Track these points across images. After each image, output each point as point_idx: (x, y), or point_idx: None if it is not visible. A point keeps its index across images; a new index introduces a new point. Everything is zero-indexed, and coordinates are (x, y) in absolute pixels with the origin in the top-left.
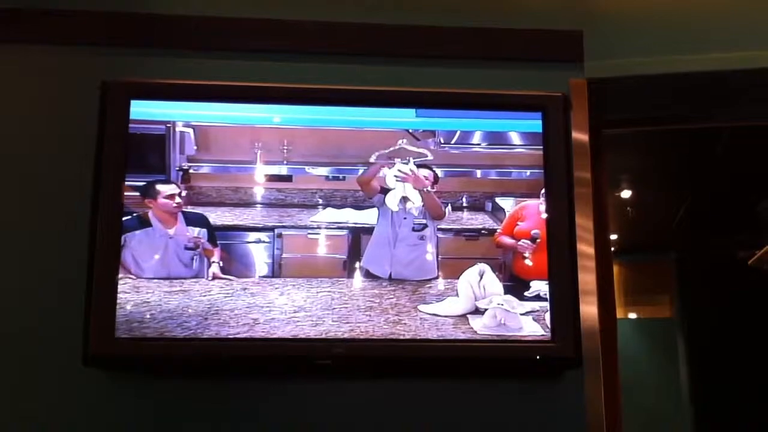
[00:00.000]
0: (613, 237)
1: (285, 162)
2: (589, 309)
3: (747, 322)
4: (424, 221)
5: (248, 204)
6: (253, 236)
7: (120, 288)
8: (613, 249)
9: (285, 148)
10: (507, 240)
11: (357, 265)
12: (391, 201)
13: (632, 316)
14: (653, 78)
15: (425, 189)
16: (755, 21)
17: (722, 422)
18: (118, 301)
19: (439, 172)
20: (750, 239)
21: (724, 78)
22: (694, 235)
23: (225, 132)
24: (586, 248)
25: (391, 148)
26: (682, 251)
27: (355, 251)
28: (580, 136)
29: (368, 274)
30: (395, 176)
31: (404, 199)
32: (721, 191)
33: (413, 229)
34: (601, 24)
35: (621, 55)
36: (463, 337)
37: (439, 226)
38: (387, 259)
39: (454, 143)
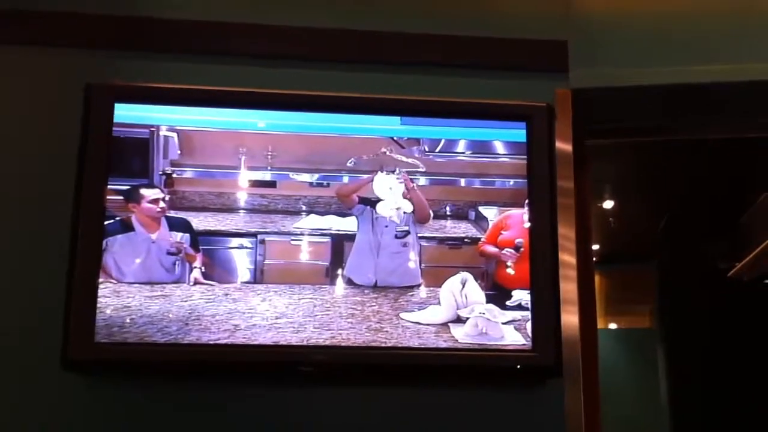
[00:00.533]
0: (595, 247)
1: (269, 168)
2: (570, 318)
3: (727, 333)
4: (406, 228)
5: (231, 209)
6: (235, 242)
7: (100, 292)
8: (594, 259)
9: (269, 153)
10: (491, 249)
11: (339, 272)
12: (384, 209)
13: (613, 326)
14: (638, 89)
15: (413, 187)
16: (738, 34)
17: None
18: (99, 305)
19: (424, 180)
20: (731, 251)
21: (706, 90)
22: (675, 245)
23: (209, 137)
24: (568, 258)
25: (373, 155)
26: (663, 262)
27: (337, 258)
28: (563, 146)
29: (351, 283)
30: (388, 185)
31: (389, 209)
32: (702, 203)
33: (396, 237)
34: (587, 34)
35: (606, 66)
36: (444, 345)
37: (421, 234)
38: (371, 268)
39: (439, 151)
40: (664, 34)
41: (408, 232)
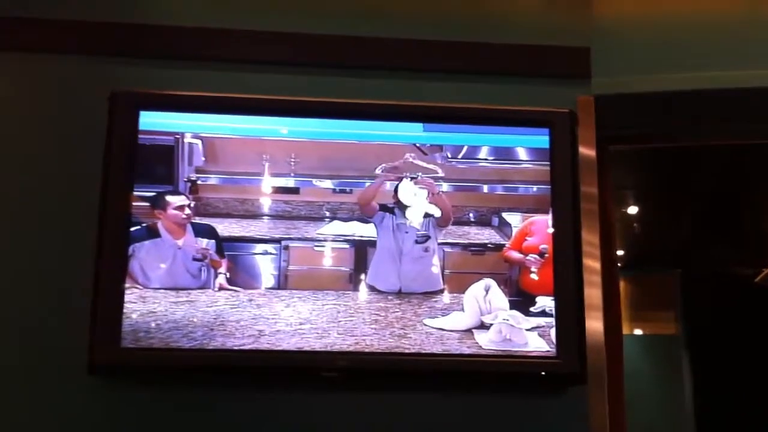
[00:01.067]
0: (620, 253)
1: (292, 174)
2: (594, 325)
3: (751, 339)
4: (425, 233)
5: (255, 216)
6: (260, 248)
7: (126, 298)
8: (619, 264)
9: (292, 160)
10: (515, 255)
11: (362, 278)
12: (413, 215)
13: (637, 332)
14: (660, 95)
15: (438, 192)
16: (758, 40)
17: None
18: (125, 310)
19: (447, 186)
20: (756, 257)
21: (728, 95)
22: (700, 251)
23: (233, 143)
24: (592, 263)
25: (397, 161)
26: (687, 268)
27: (360, 264)
28: (586, 151)
29: (374, 289)
30: (413, 191)
31: (412, 215)
32: (727, 209)
33: (416, 242)
34: (609, 41)
35: (628, 72)
36: (467, 351)
37: (444, 240)
38: (393, 274)
39: (462, 158)
40: (686, 40)
41: (428, 237)
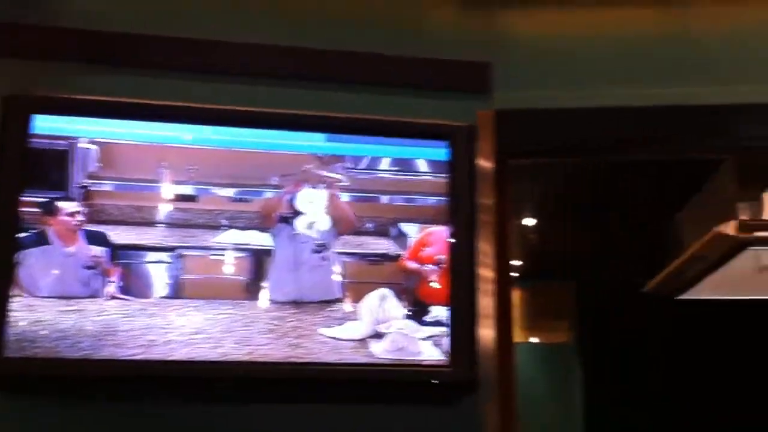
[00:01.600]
0: (517, 263)
1: (190, 182)
2: (487, 333)
3: (642, 348)
4: (323, 242)
5: (151, 223)
6: (154, 256)
7: (13, 306)
8: (517, 274)
9: (192, 168)
10: (412, 265)
11: (260, 287)
12: (301, 225)
13: (533, 340)
14: (560, 111)
15: (337, 199)
16: (661, 58)
17: None
18: (11, 319)
19: (347, 196)
20: (648, 267)
21: (628, 112)
22: (594, 263)
23: (130, 150)
24: (487, 273)
25: (298, 171)
26: (582, 278)
27: (257, 273)
28: (485, 164)
29: (271, 298)
30: (310, 200)
31: (312, 224)
32: (622, 222)
33: (313, 251)
34: (511, 56)
35: (529, 88)
36: (362, 360)
37: (343, 250)
38: (291, 283)
39: (362, 169)
40: (587, 58)
41: (325, 246)
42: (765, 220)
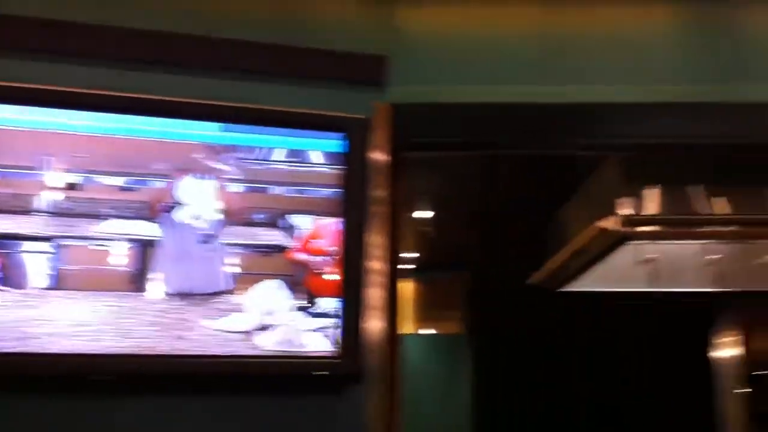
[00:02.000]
0: (414, 255)
1: (76, 170)
2: (376, 325)
3: (530, 339)
4: (210, 232)
5: (30, 212)
6: (32, 246)
7: None
8: (413, 266)
9: (78, 155)
10: (303, 256)
11: (145, 278)
12: (185, 215)
13: (428, 331)
14: (456, 106)
15: (224, 191)
16: (547, 58)
17: None
18: None
19: (238, 186)
20: (536, 260)
21: (524, 110)
22: (486, 255)
23: (11, 135)
24: (379, 265)
25: (188, 160)
26: (474, 270)
27: (143, 264)
28: (380, 157)
29: (157, 290)
30: (198, 190)
31: (198, 214)
32: (514, 216)
33: (200, 242)
34: (410, 50)
35: (427, 82)
36: (248, 353)
37: (232, 241)
38: (177, 275)
39: (255, 159)
40: (484, 54)
41: (212, 237)
42: (644, 216)
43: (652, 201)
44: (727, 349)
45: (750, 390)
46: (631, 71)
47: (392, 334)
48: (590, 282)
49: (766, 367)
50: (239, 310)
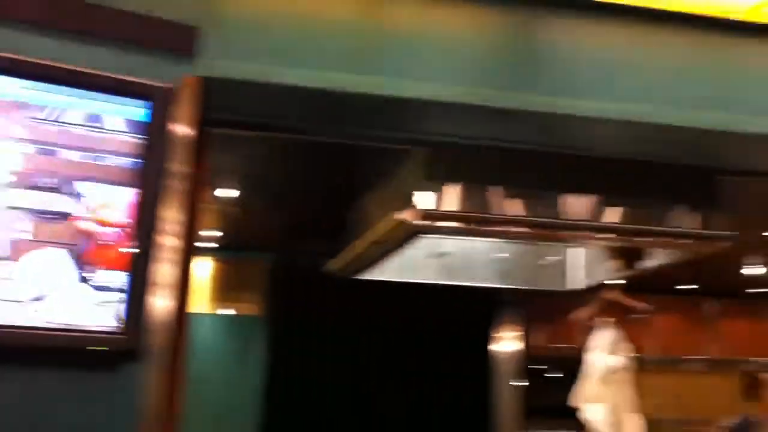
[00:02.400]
0: (216, 234)
1: None
2: (165, 302)
3: (324, 324)
4: None
5: None
6: None
7: None
8: (215, 245)
9: None
10: (90, 226)
11: None
12: None
13: (227, 311)
14: (266, 85)
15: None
16: (361, 49)
17: (291, 418)
18: None
19: (29, 147)
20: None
21: (338, 97)
22: (287, 239)
23: None
24: (173, 241)
25: None
26: (274, 254)
27: None
28: (185, 131)
29: None
30: None
31: None
32: (317, 202)
33: None
34: (223, 25)
35: (237, 58)
36: (26, 324)
37: (10, 204)
38: None
39: (46, 119)
40: (301, 37)
41: None
42: (439, 211)
43: (451, 198)
44: (507, 342)
45: (527, 383)
46: (444, 70)
47: (181, 313)
48: (386, 272)
49: (542, 362)
50: (20, 278)
